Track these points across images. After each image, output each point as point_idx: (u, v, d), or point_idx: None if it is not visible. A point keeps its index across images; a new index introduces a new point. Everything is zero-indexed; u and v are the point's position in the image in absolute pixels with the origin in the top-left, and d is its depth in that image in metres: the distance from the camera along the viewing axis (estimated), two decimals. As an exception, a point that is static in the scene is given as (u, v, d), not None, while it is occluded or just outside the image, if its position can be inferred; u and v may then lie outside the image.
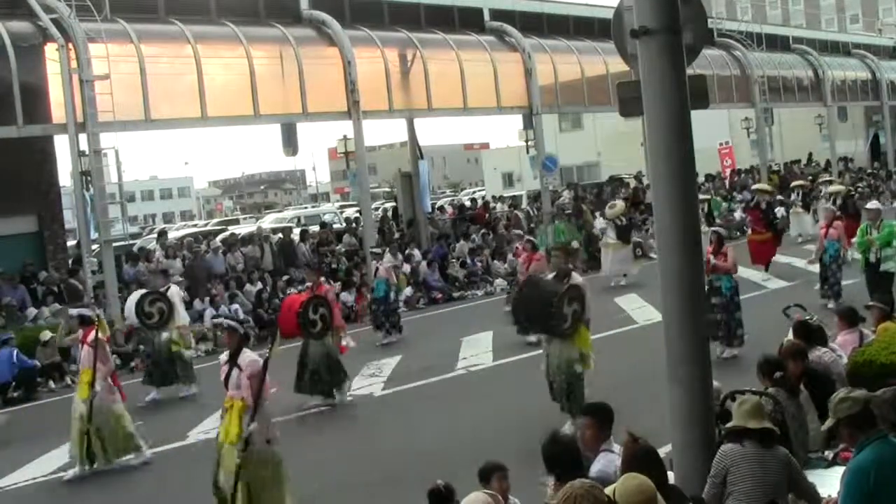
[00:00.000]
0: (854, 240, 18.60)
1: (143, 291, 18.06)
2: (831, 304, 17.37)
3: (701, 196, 29.43)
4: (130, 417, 13.02)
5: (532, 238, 22.03)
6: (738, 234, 30.97)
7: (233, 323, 10.30)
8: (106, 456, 12.61)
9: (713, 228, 17.17)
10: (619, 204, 28.35)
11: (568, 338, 12.03)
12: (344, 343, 15.83)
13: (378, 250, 23.76)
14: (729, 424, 7.10)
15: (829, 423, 6.29)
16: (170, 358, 16.97)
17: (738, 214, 33.59)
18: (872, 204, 19.08)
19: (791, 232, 29.59)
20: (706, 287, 14.53)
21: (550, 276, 12.75)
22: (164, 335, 17.02)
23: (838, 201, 25.22)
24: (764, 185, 29.11)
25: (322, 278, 16.41)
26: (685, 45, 7.57)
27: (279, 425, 14.09)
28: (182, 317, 17.62)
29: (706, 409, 7.49)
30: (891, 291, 14.15)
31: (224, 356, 10.09)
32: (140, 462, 12.81)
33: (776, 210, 27.61)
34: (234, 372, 9.70)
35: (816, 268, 19.41)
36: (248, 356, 9.77)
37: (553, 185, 34.97)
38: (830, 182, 32.59)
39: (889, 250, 17.12)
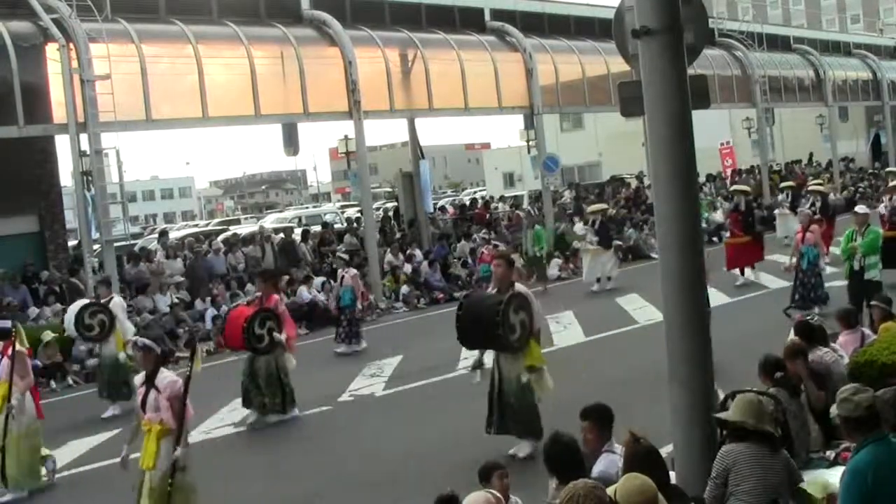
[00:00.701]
0: (840, 245, 17.87)
1: (83, 302, 17.05)
2: (817, 309, 16.99)
3: (740, 186, 28.92)
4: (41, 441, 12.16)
5: (499, 244, 20.82)
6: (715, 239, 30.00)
7: (147, 342, 9.75)
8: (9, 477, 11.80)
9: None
10: (601, 204, 28.00)
11: (517, 351, 11.14)
12: (289, 362, 14.78)
13: (346, 256, 22.62)
14: (722, 415, 7.12)
15: (833, 414, 6.26)
16: (118, 375, 15.96)
17: (718, 216, 32.90)
18: (861, 208, 18.24)
19: (777, 234, 29.08)
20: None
21: (492, 289, 11.72)
22: (110, 349, 16.14)
23: (816, 203, 24.52)
24: (742, 186, 28.00)
25: (274, 288, 15.32)
26: (686, 45, 7.57)
27: (279, 426, 14.19)
28: (126, 329, 16.37)
29: (707, 408, 7.49)
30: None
31: (140, 377, 9.63)
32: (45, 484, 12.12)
33: (756, 211, 26.84)
34: (152, 394, 9.28)
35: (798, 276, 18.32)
36: (167, 377, 9.37)
37: (554, 185, 34.94)
38: (820, 184, 32.58)
39: (873, 258, 16.51)
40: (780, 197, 31.44)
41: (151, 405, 9.26)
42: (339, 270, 20.90)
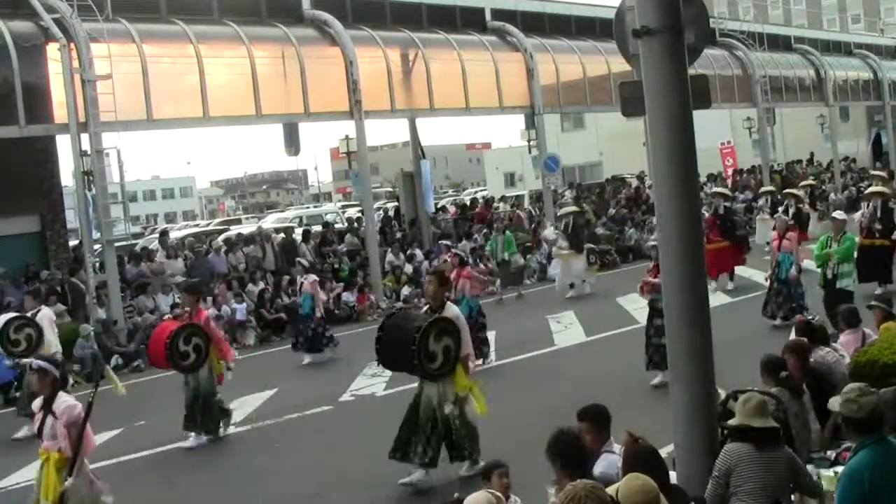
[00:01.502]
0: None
1: (9, 316, 15.92)
2: (777, 321, 16.84)
3: (719, 190, 28.24)
4: None
5: (459, 251, 19.47)
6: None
7: (43, 364, 8.95)
8: None
9: (652, 243, 15.46)
10: (572, 207, 27.39)
11: (440, 378, 10.30)
12: (230, 373, 14.20)
13: (305, 262, 21.49)
14: (732, 421, 7.06)
15: (834, 410, 6.22)
16: None
17: None
18: (838, 214, 17.48)
19: (757, 239, 28.10)
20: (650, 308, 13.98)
21: (424, 307, 10.94)
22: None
23: (791, 208, 23.89)
24: (720, 189, 27.06)
25: (201, 302, 14.49)
26: (687, 44, 7.57)
27: (280, 425, 14.20)
28: (52, 344, 15.38)
29: (709, 408, 7.50)
30: None
31: (38, 403, 8.99)
32: None
33: (736, 215, 26.21)
34: (49, 420, 8.62)
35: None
36: (65, 402, 8.65)
37: (555, 185, 34.93)
38: (810, 186, 31.75)
39: (847, 266, 15.97)
40: (760, 202, 30.47)
41: (48, 432, 8.60)
42: (298, 277, 20.15)
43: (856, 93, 48.67)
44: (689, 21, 7.83)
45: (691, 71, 7.67)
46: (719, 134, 44.11)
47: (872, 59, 50.39)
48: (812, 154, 50.48)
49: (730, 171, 43.82)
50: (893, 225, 19.40)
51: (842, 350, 10.42)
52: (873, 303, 11.72)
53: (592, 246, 27.51)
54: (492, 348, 17.61)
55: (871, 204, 19.78)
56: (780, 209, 24.29)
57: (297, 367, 19.01)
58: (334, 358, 19.28)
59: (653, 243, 15.41)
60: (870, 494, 5.80)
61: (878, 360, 9.36)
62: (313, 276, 19.86)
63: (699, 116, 7.75)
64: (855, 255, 16.41)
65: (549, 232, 27.07)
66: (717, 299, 17.73)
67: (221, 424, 13.74)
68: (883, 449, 5.94)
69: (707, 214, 25.25)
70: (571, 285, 24.68)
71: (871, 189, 21.91)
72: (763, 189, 31.39)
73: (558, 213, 27.26)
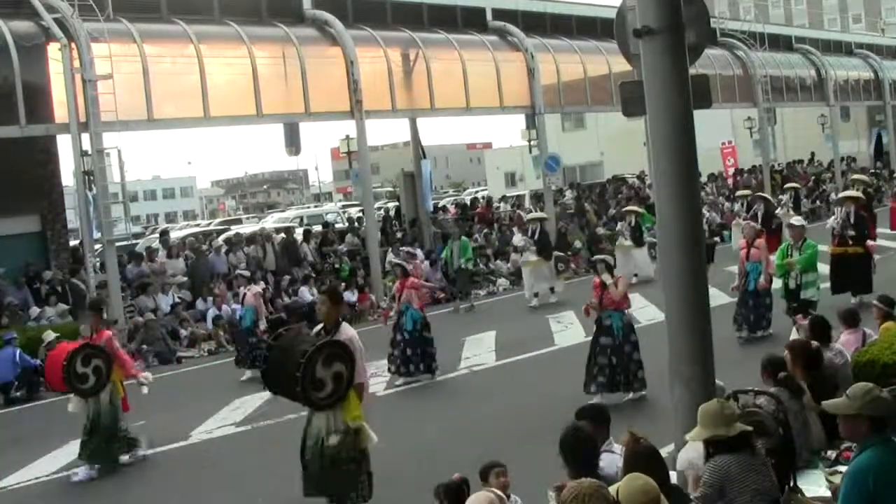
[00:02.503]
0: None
1: (73, 346, 14.78)
2: (744, 333, 15.98)
3: (631, 208, 27.80)
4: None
5: (402, 263, 18.40)
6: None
7: None
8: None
9: (601, 257, 14.61)
10: (539, 213, 26.67)
11: (330, 408, 9.21)
12: (144, 388, 13.46)
13: (247, 273, 20.22)
14: (693, 433, 6.79)
15: (847, 408, 6.10)
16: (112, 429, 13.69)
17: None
18: (796, 220, 16.51)
19: (733, 245, 26.88)
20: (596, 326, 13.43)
21: (317, 328, 9.70)
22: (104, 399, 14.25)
23: (759, 212, 23.08)
24: None
25: (103, 322, 13.57)
26: (688, 44, 7.58)
27: (280, 426, 14.19)
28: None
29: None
30: None
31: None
32: None
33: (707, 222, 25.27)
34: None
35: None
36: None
37: (556, 184, 34.92)
38: (796, 189, 30.68)
39: (811, 275, 14.98)
40: (736, 206, 29.01)
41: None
42: (241, 288, 19.18)
43: (857, 93, 48.67)
44: (690, 21, 7.84)
45: (692, 71, 7.68)
46: (720, 134, 44.10)
47: (873, 58, 50.39)
48: (813, 154, 50.48)
49: (730, 171, 43.82)
50: (867, 232, 18.42)
51: (843, 350, 10.42)
52: (874, 302, 11.70)
53: (560, 253, 26.89)
54: (441, 362, 16.65)
55: (843, 209, 18.42)
56: (748, 213, 23.42)
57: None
58: None
59: (598, 257, 14.77)
60: (875, 495, 5.78)
61: (879, 360, 9.37)
62: (256, 288, 19.03)
63: (700, 116, 7.76)
64: (818, 263, 15.31)
65: (517, 238, 25.79)
66: (716, 299, 17.59)
67: (127, 453, 12.83)
68: (888, 450, 5.92)
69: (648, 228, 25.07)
70: (536, 294, 23.80)
71: (843, 193, 20.74)
72: (739, 193, 29.99)
73: (525, 219, 26.37)
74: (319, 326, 9.53)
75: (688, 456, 7.16)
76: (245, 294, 18.75)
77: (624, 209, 28.54)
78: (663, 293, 7.76)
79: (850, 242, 17.91)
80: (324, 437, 9.22)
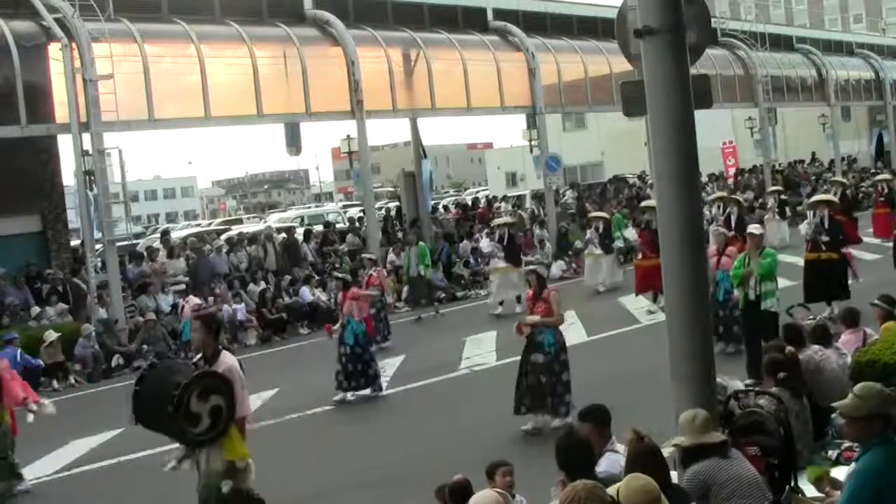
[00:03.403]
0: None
1: (186, 373, 15.00)
2: (730, 349, 15.15)
3: (597, 214, 27.00)
4: None
5: (343, 275, 17.75)
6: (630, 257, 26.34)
7: None
8: None
9: (532, 268, 13.56)
10: (507, 218, 25.84)
11: (208, 445, 8.35)
12: (31, 416, 12.76)
13: (183, 285, 19.32)
14: (681, 441, 6.80)
15: (860, 410, 6.06)
16: None
17: (630, 234, 27.22)
18: (755, 228, 14.84)
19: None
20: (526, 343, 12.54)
21: (196, 357, 8.86)
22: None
23: (733, 216, 22.51)
24: (652, 202, 24.24)
25: None
26: (689, 44, 7.57)
27: (281, 425, 14.20)
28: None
29: (710, 407, 7.49)
30: (776, 334, 12.31)
31: None
32: None
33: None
34: None
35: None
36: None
37: (556, 184, 34.91)
38: (780, 192, 30.34)
39: (770, 284, 13.78)
40: (714, 211, 26.84)
41: None
42: (180, 301, 18.23)
43: (857, 93, 48.67)
44: (691, 21, 7.83)
45: (693, 70, 7.67)
46: (721, 134, 44.08)
47: (874, 58, 50.39)
48: (814, 154, 50.48)
49: (731, 171, 43.83)
50: (842, 237, 17.68)
51: (843, 349, 10.42)
52: (875, 301, 11.68)
53: (531, 260, 26.04)
54: (385, 378, 16.16)
55: (816, 213, 17.61)
56: (722, 218, 22.62)
57: (298, 367, 18.96)
58: None
59: (530, 268, 13.68)
60: (883, 494, 5.78)
61: (879, 359, 9.36)
62: (195, 301, 18.16)
63: (700, 116, 7.75)
64: (776, 272, 14.06)
65: (484, 244, 25.17)
66: None
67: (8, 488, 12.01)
68: (892, 449, 5.91)
69: (639, 229, 23.73)
70: (501, 302, 23.05)
71: (816, 197, 19.73)
72: (713, 196, 28.09)
73: (493, 224, 25.26)
74: (198, 356, 8.70)
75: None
76: (183, 307, 17.87)
77: (590, 215, 27.65)
78: (664, 292, 7.76)
79: (824, 248, 17.18)
80: (210, 478, 8.47)
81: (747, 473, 6.63)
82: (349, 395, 15.31)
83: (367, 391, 15.37)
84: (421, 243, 24.99)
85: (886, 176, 30.43)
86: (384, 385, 16.01)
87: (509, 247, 23.41)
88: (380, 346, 19.34)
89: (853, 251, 18.90)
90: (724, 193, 28.53)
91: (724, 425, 7.68)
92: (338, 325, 15.84)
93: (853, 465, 6.37)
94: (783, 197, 30.92)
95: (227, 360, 8.50)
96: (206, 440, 8.28)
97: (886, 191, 26.65)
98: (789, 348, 9.52)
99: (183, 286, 23.91)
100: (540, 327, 12.36)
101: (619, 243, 25.48)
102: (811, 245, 17.47)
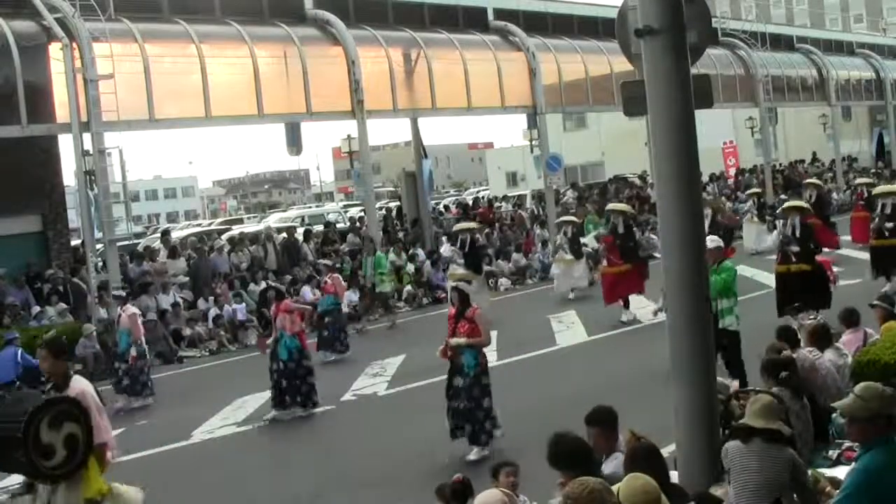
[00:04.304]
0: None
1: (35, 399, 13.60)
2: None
3: (567, 218, 25.93)
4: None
5: (277, 285, 16.81)
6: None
7: None
8: None
9: (454, 284, 12.38)
10: (469, 223, 24.47)
11: (67, 479, 7.32)
12: None
13: (122, 293, 18.02)
14: (744, 421, 7.02)
15: (865, 410, 6.04)
16: None
17: (589, 240, 26.30)
18: (710, 241, 12.69)
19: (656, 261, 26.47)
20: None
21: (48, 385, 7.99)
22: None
23: (706, 221, 21.07)
24: (619, 205, 22.87)
25: None
26: (689, 44, 7.57)
27: (281, 425, 14.20)
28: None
29: (710, 407, 7.50)
30: (737, 353, 12.17)
31: None
32: None
33: (638, 234, 23.15)
34: None
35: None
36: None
37: (557, 184, 34.90)
38: (758, 194, 29.46)
39: (728, 301, 12.74)
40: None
41: None
42: (117, 309, 17.24)
43: (858, 92, 48.67)
44: (692, 20, 7.83)
45: (693, 70, 7.67)
46: (721, 133, 44.08)
47: (875, 58, 50.38)
48: (814, 154, 50.48)
49: (732, 171, 43.83)
50: (815, 247, 16.73)
51: (844, 349, 10.41)
52: (875, 301, 11.68)
53: (491, 269, 25.76)
54: (319, 395, 14.99)
55: (788, 222, 16.41)
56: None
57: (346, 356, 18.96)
58: (148, 405, 16.60)
59: (452, 284, 12.52)
60: (884, 495, 5.77)
61: (880, 359, 9.37)
62: (132, 309, 17.01)
63: (701, 116, 7.76)
64: (735, 288, 13.01)
65: (444, 248, 24.10)
66: None
67: None
68: (894, 449, 5.90)
69: (603, 232, 22.74)
70: None
71: (787, 204, 18.46)
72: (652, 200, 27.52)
73: (453, 229, 23.77)
74: (50, 385, 7.94)
75: None
76: (120, 315, 16.87)
77: (560, 219, 26.71)
78: (665, 292, 7.76)
79: (794, 259, 15.85)
80: None
81: (766, 478, 6.64)
82: (286, 415, 14.36)
83: (300, 411, 14.41)
84: (378, 253, 23.76)
85: (867, 179, 30.00)
86: (385, 385, 16.02)
87: (470, 253, 22.16)
88: (336, 357, 18.94)
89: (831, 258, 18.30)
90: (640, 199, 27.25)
91: (724, 425, 7.68)
92: (271, 339, 14.91)
93: (853, 464, 6.37)
94: (762, 199, 30.19)
95: (79, 385, 7.80)
96: (62, 474, 7.31)
97: (866, 195, 25.13)
98: (786, 350, 9.52)
99: (181, 285, 23.97)
100: (465, 349, 11.32)
101: (590, 246, 24.82)
102: (780, 256, 16.24)
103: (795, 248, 15.82)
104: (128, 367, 16.52)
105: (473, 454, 11.22)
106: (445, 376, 11.66)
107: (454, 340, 11.30)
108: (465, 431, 11.35)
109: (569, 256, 24.09)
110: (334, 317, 19.22)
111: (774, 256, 17.04)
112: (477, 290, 20.94)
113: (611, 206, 22.96)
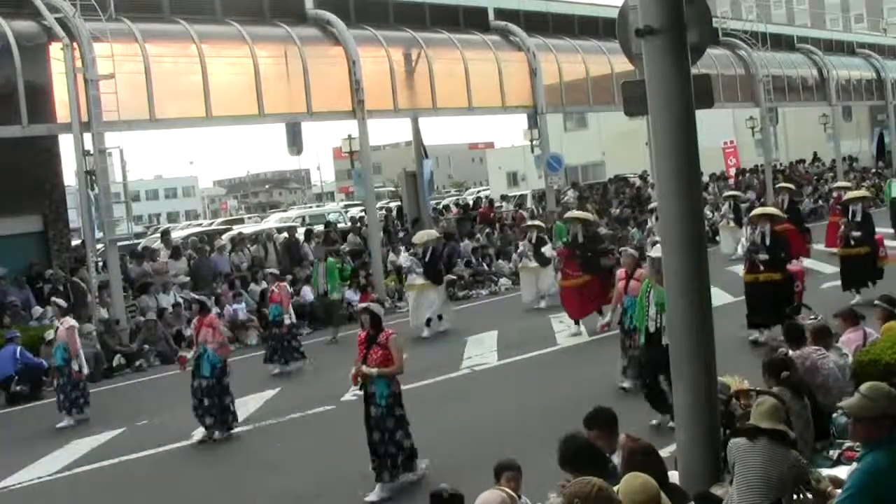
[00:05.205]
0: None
1: None
2: (627, 384, 13.31)
3: (533, 223, 25.01)
4: None
5: (202, 298, 16.10)
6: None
7: None
8: None
9: (365, 304, 11.26)
10: (430, 231, 23.39)
11: None
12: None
13: (62, 302, 16.95)
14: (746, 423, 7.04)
15: (870, 410, 6.02)
16: None
17: (547, 250, 23.50)
18: (655, 251, 11.58)
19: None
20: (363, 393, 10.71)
21: None
22: None
23: (652, 235, 20.37)
24: (579, 213, 21.68)
25: None
26: (690, 44, 7.58)
27: (282, 425, 14.20)
28: None
29: (711, 407, 7.51)
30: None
31: None
32: None
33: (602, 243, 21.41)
34: None
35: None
36: None
37: (558, 184, 34.90)
38: (736, 198, 28.30)
39: None
40: (651, 221, 25.40)
41: None
42: (55, 322, 16.47)
43: (859, 92, 48.64)
44: (692, 20, 7.84)
45: (694, 70, 7.68)
46: (722, 133, 44.08)
47: (875, 58, 50.35)
48: (815, 154, 50.49)
49: (732, 171, 43.81)
50: (785, 255, 15.98)
51: (844, 349, 10.41)
52: (876, 301, 11.67)
53: (454, 277, 25.36)
54: (240, 418, 14.41)
55: (757, 229, 15.88)
56: (632, 230, 21.36)
57: (301, 366, 18.84)
58: (87, 418, 15.85)
59: (363, 305, 11.38)
60: (887, 495, 5.77)
61: (881, 359, 9.37)
62: (71, 322, 16.13)
63: (702, 116, 7.76)
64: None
65: (403, 258, 23.15)
66: (718, 299, 17.21)
67: None
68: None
69: (560, 244, 21.79)
70: (428, 321, 20.83)
71: (756, 211, 17.53)
72: (652, 205, 25.46)
73: (414, 240, 22.77)
74: None
75: None
76: (58, 328, 16.05)
77: (525, 223, 25.86)
78: (665, 292, 7.76)
79: (762, 268, 15.42)
80: None
81: (769, 477, 6.64)
82: (213, 436, 13.64)
83: (217, 434, 13.67)
84: (330, 259, 22.81)
85: (845, 183, 29.47)
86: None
87: (430, 262, 21.11)
88: (280, 370, 18.42)
89: (803, 266, 17.73)
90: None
91: (725, 425, 7.68)
92: (191, 354, 14.28)
93: (855, 464, 6.36)
94: (739, 203, 28.99)
95: None
96: None
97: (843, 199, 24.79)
98: (782, 349, 9.53)
99: (182, 285, 23.97)
100: (377, 378, 10.48)
101: (552, 252, 22.94)
102: (748, 265, 15.76)
103: (764, 257, 15.41)
104: (65, 383, 15.64)
105: (374, 494, 10.33)
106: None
107: (365, 369, 10.44)
108: (387, 468, 10.43)
109: (532, 264, 22.95)
110: (280, 327, 18.57)
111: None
112: (436, 300, 21.00)
113: (569, 213, 22.09)
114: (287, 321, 18.56)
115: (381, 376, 10.44)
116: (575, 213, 22.15)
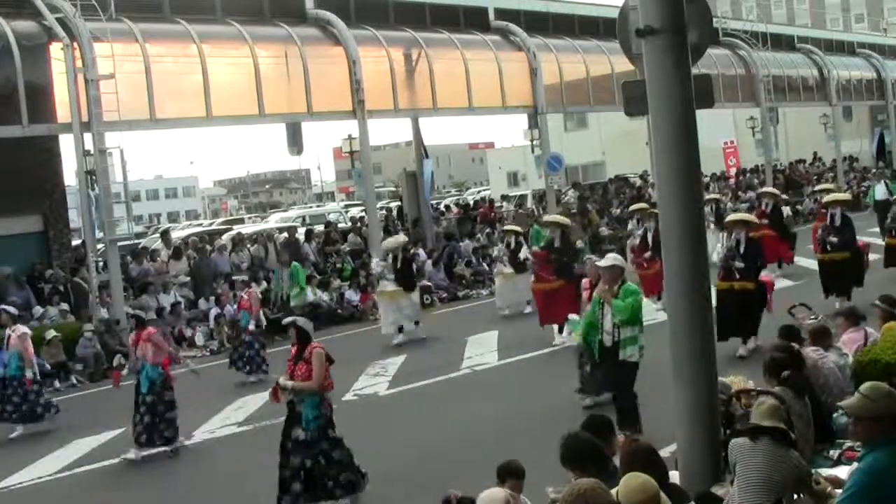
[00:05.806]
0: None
1: None
2: (588, 401, 12.70)
3: (510, 227, 23.78)
4: None
5: (137, 312, 15.02)
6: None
7: None
8: None
9: (292, 319, 10.43)
10: (399, 237, 22.69)
11: None
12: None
13: (13, 310, 16.47)
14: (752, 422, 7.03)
15: (872, 410, 6.01)
16: None
17: (524, 253, 22.12)
18: (606, 260, 11.34)
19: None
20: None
21: None
22: None
23: (649, 232, 19.38)
24: (557, 217, 20.82)
25: None
26: (690, 44, 7.58)
27: (283, 425, 14.18)
28: None
29: (711, 406, 7.50)
30: (629, 393, 10.94)
31: None
32: None
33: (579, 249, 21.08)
34: None
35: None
36: None
37: (558, 184, 34.91)
38: (717, 200, 26.06)
39: (631, 329, 10.90)
40: (630, 225, 24.43)
41: None
42: (7, 330, 15.64)
43: (859, 92, 48.65)
44: (692, 21, 7.84)
45: (694, 70, 7.68)
46: (722, 133, 44.08)
47: (876, 58, 50.37)
48: (815, 153, 50.49)
49: (733, 171, 43.81)
50: (760, 263, 15.69)
51: (844, 349, 10.40)
52: (876, 301, 11.66)
53: (428, 283, 25.09)
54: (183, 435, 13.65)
55: (732, 235, 15.47)
56: (639, 234, 20.39)
57: (261, 379, 17.68)
58: (52, 428, 15.45)
59: (289, 320, 10.54)
60: (887, 495, 5.76)
61: (881, 359, 9.37)
62: (23, 329, 15.63)
63: (702, 116, 7.76)
64: (640, 315, 11.09)
65: (374, 264, 22.09)
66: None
67: None
68: None
69: (536, 248, 21.23)
70: (401, 328, 20.31)
71: (731, 216, 17.14)
72: (634, 207, 24.78)
73: (384, 246, 22.21)
74: None
75: None
76: (10, 336, 15.38)
77: (504, 228, 25.18)
78: (666, 292, 7.76)
79: (738, 276, 15.04)
80: None
81: (771, 477, 6.63)
82: (141, 454, 12.91)
83: (165, 449, 13.08)
84: (295, 263, 22.62)
85: (828, 185, 29.23)
86: (385, 385, 16.02)
87: (402, 268, 20.50)
88: (245, 380, 17.88)
89: (774, 279, 17.26)
90: (644, 205, 23.65)
91: (725, 425, 7.68)
92: (126, 370, 13.68)
93: (855, 464, 6.36)
94: (720, 206, 26.48)
95: None
96: None
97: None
98: (794, 345, 9.51)
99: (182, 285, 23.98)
100: (306, 397, 9.85)
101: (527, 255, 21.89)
102: (723, 273, 15.23)
103: (739, 265, 15.06)
104: (24, 392, 15.10)
105: None
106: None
107: (282, 381, 9.90)
108: (323, 485, 9.82)
109: (508, 270, 22.13)
110: (247, 336, 18.18)
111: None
112: (409, 307, 20.40)
113: (547, 217, 21.29)
114: (252, 327, 18.09)
115: (300, 391, 9.80)
116: (554, 216, 21.69)
